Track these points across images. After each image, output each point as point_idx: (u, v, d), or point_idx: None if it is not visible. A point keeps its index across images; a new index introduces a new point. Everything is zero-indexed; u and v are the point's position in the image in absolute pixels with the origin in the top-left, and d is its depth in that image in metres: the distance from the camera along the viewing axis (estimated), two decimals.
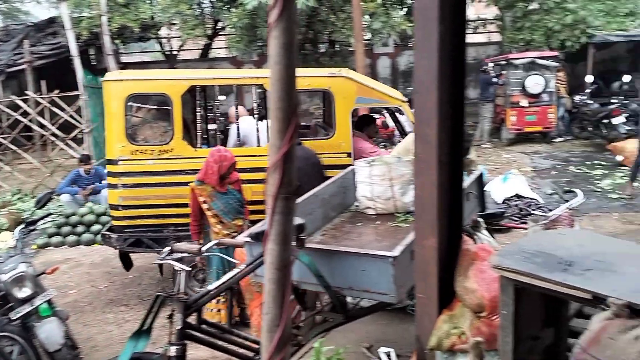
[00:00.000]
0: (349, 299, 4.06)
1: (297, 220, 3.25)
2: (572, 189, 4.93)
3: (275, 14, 1.16)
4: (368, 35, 11.48)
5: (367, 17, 11.21)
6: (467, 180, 4.25)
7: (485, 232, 4.75)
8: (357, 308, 3.93)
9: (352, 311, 3.78)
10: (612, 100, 12.02)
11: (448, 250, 2.80)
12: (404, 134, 7.72)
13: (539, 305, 2.62)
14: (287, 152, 1.14)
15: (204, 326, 3.13)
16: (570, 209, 4.67)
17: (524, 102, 12.52)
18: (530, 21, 13.44)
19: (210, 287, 3.17)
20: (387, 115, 9.38)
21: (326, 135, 6.00)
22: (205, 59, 17.96)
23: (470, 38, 16.81)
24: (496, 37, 16.03)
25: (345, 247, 3.73)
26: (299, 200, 4.15)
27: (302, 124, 8.46)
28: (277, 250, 1.15)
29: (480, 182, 4.43)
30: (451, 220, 2.81)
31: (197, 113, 6.05)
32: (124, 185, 5.44)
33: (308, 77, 5.90)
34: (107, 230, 5.76)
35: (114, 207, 5.59)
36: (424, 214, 2.74)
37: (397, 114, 6.95)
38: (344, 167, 5.34)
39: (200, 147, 5.77)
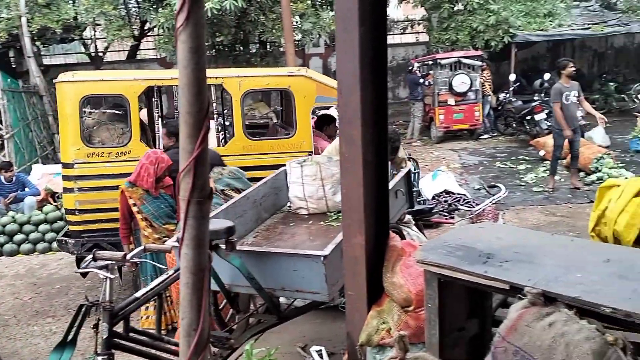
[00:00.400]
0: (283, 300, 4.08)
1: (227, 223, 3.23)
2: (496, 184, 5.12)
3: (181, 18, 1.15)
4: (299, 36, 11.51)
5: (297, 18, 11.25)
6: (396, 178, 4.34)
7: (414, 228, 4.86)
8: (291, 308, 3.94)
9: (286, 312, 3.78)
10: (534, 98, 12.56)
11: (376, 247, 2.85)
12: None
13: (463, 297, 2.71)
14: (199, 156, 1.13)
15: (132, 334, 3.05)
16: (494, 203, 4.85)
17: (452, 101, 12.90)
18: (456, 22, 13.88)
19: (138, 294, 3.09)
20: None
21: (287, 135, 6.03)
22: (132, 60, 17.51)
23: (399, 38, 17.23)
24: (424, 38, 16.44)
25: (276, 248, 3.74)
26: (230, 202, 4.13)
27: (261, 123, 8.26)
28: (192, 255, 1.14)
29: (408, 179, 4.53)
30: (378, 217, 2.87)
31: (155, 114, 5.97)
32: (80, 189, 5.33)
33: (268, 77, 5.97)
34: (64, 236, 5.64)
35: (70, 211, 5.47)
36: (351, 212, 2.78)
37: None
38: None
39: (160, 148, 5.67)
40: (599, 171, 9.18)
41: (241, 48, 11.81)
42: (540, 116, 11.83)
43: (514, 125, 13.08)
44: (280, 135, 6.35)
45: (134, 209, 4.64)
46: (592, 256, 2.41)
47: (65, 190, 5.47)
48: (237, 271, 3.30)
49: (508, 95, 13.45)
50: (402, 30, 16.29)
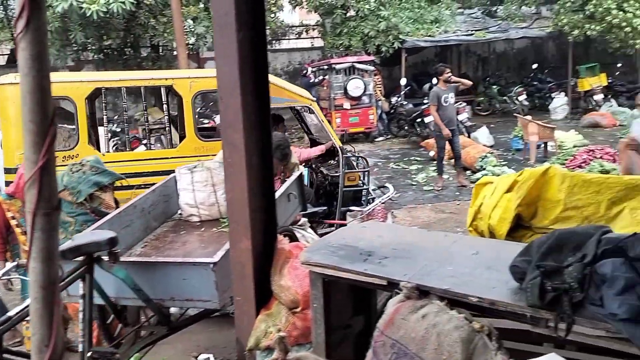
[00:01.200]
0: (175, 310, 3.99)
1: (108, 234, 3.12)
2: (385, 185, 5.31)
3: (21, 24, 1.10)
4: (193, 40, 11.32)
5: (190, 22, 11.07)
6: (288, 182, 4.39)
7: (310, 230, 4.93)
8: (183, 318, 3.86)
9: (177, 322, 3.70)
10: (424, 101, 13.13)
11: (263, 251, 2.86)
12: (309, 133, 7.92)
13: (348, 295, 2.78)
14: (45, 166, 1.09)
15: (6, 355, 2.86)
16: (383, 203, 5.02)
17: (347, 105, 13.21)
18: (348, 27, 14.23)
19: (11, 312, 2.91)
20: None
21: None
22: (13, 64, 16.43)
23: (294, 43, 17.40)
24: (319, 43, 16.71)
25: (166, 257, 3.66)
26: (116, 212, 3.98)
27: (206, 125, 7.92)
28: (41, 268, 1.09)
29: (300, 182, 4.59)
30: (265, 221, 2.88)
31: (104, 116, 5.67)
32: None
33: None
34: None
35: None
36: (236, 217, 2.78)
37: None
38: None
39: (108, 152, 5.51)
40: (484, 169, 9.76)
41: (132, 52, 11.45)
42: (429, 119, 12.33)
43: (406, 127, 13.61)
44: None
45: (13, 222, 4.36)
46: (463, 250, 2.56)
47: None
48: (122, 283, 3.19)
49: (399, 98, 13.97)
50: (297, 35, 16.49)
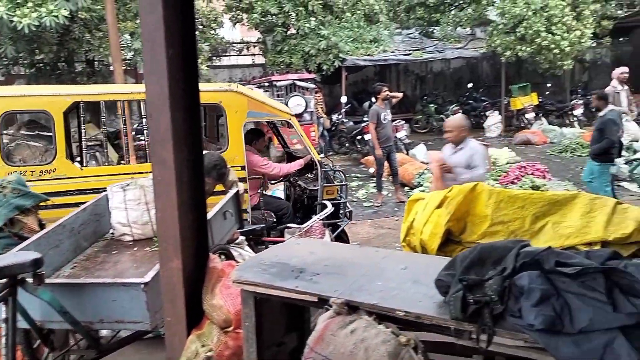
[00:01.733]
0: (107, 332, 3.87)
1: (32, 255, 3.00)
2: (323, 202, 5.35)
3: None
4: (130, 55, 11.11)
5: (127, 37, 10.87)
6: (224, 199, 4.35)
7: (247, 248, 4.89)
8: (114, 341, 3.75)
9: (107, 345, 3.59)
10: (364, 119, 13.35)
11: (195, 270, 2.82)
12: (286, 147, 7.93)
13: (281, 312, 2.78)
14: None
15: None
16: (321, 220, 5.05)
17: None
18: (289, 45, 14.33)
19: None
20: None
21: (219, 149, 5.92)
22: None
23: (235, 60, 17.37)
24: (260, 59, 16.75)
25: (95, 278, 3.55)
26: (43, 232, 3.84)
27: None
28: None
29: (237, 200, 4.56)
30: (197, 240, 2.85)
31: (82, 130, 5.66)
32: None
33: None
34: None
35: None
36: (166, 236, 2.73)
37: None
38: (239, 180, 5.50)
39: (87, 166, 5.47)
40: (421, 185, 9.98)
41: (65, 66, 11.12)
42: (369, 136, 12.57)
43: (347, 144, 13.79)
44: (212, 150, 6.17)
45: None
46: (393, 265, 2.61)
47: None
48: (48, 306, 3.07)
49: (340, 116, 14.16)
50: (238, 52, 16.48)
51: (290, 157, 7.56)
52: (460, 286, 2.10)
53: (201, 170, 2.85)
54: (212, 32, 14.24)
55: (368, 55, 14.91)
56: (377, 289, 2.34)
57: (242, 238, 4.88)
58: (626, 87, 10.50)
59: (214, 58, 15.95)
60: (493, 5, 15.72)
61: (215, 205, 4.14)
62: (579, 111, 16.19)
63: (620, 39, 21.84)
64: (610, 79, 10.55)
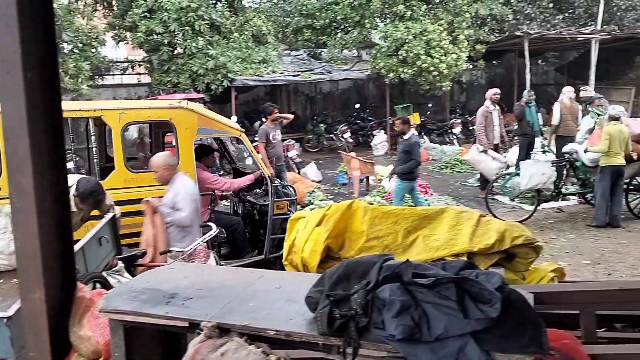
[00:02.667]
0: None
1: None
2: (208, 223, 5.28)
3: None
4: None
5: None
6: (98, 225, 4.18)
7: (127, 275, 4.71)
8: None
9: None
10: (255, 138, 13.34)
11: (60, 301, 2.68)
12: (233, 162, 7.87)
13: (156, 340, 2.70)
14: None
15: None
16: (205, 242, 4.98)
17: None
18: (176, 64, 14.09)
19: None
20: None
21: None
22: None
23: (120, 79, 16.80)
24: (147, 79, 16.33)
25: None
26: None
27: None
28: None
29: (113, 225, 4.39)
30: (61, 269, 2.71)
31: None
32: None
33: (148, 109, 5.94)
34: None
35: None
36: (27, 266, 2.58)
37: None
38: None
39: None
40: (312, 203, 10.13)
41: None
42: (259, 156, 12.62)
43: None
44: None
45: None
46: (267, 285, 2.63)
47: None
48: None
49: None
50: (122, 71, 15.97)
51: (236, 173, 7.57)
52: (327, 302, 2.16)
53: (66, 196, 2.73)
54: (93, 50, 13.69)
55: (257, 75, 15.00)
56: (249, 309, 2.35)
57: (120, 265, 4.69)
58: (498, 107, 11.32)
59: (97, 77, 15.34)
60: (376, 29, 16.41)
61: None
62: (457, 129, 17.22)
63: (493, 62, 23.58)
64: (485, 99, 11.33)
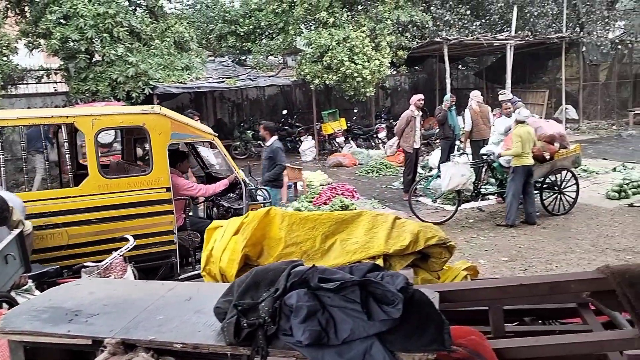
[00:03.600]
0: None
1: None
2: (125, 236, 5.11)
3: None
4: None
5: None
6: (3, 242, 3.97)
7: (37, 294, 4.49)
8: None
9: None
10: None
11: None
12: (205, 167, 7.77)
13: (64, 359, 2.59)
14: None
15: None
16: (122, 255, 4.83)
17: (98, 152, 12.51)
18: (95, 72, 13.63)
19: None
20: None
21: (144, 172, 5.97)
22: None
23: (34, 88, 16.06)
24: (64, 87, 15.69)
25: None
26: None
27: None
28: None
29: (21, 241, 4.18)
30: None
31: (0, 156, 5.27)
32: None
33: (121, 115, 5.91)
34: None
35: None
36: None
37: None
38: (164, 201, 5.81)
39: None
40: None
41: None
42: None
43: None
44: (136, 172, 6.27)
45: None
46: (178, 297, 2.58)
47: None
48: None
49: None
50: (37, 80, 15.27)
51: (209, 177, 7.60)
52: (235, 311, 2.14)
53: None
54: (4, 59, 13.02)
55: (180, 82, 14.74)
56: (157, 323, 2.29)
57: (30, 284, 4.47)
58: (421, 112, 11.64)
59: (9, 87, 14.60)
60: (301, 36, 16.51)
61: None
62: (383, 134, 17.56)
63: (416, 67, 24.24)
64: (409, 104, 11.62)
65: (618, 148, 16.45)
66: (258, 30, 17.65)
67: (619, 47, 21.97)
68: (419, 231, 3.81)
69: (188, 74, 15.00)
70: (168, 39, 14.95)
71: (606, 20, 21.78)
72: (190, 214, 7.09)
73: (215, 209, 7.33)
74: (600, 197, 10.75)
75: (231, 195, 7.04)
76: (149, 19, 14.96)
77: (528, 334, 3.09)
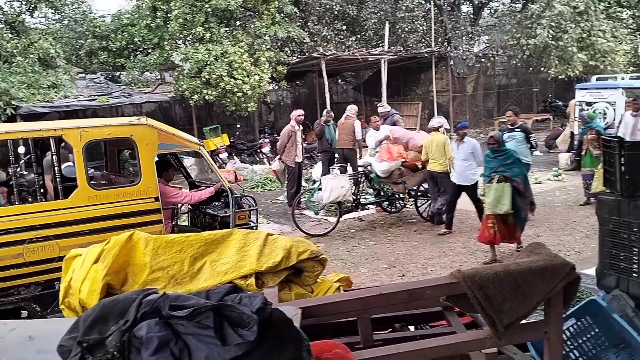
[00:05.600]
0: None
1: None
2: None
3: None
4: None
5: None
6: None
7: None
8: None
9: None
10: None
11: None
12: (188, 177, 7.99)
13: None
14: None
15: None
16: None
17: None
18: None
19: None
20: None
21: (132, 182, 6.09)
22: None
23: None
24: None
25: None
26: None
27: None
28: None
29: None
30: None
31: None
32: None
33: (109, 126, 6.02)
34: None
35: None
36: None
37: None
38: (153, 211, 5.94)
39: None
40: None
41: None
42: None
43: (29, 199, 12.46)
44: (125, 183, 6.42)
45: None
46: (19, 337, 2.35)
47: None
48: None
49: (19, 168, 12.73)
50: None
51: (192, 186, 7.74)
52: (79, 349, 1.98)
53: None
54: None
55: (47, 101, 13.85)
56: None
57: None
58: (302, 127, 11.80)
59: None
60: (177, 51, 16.14)
61: None
62: (267, 149, 17.57)
63: (297, 82, 24.61)
64: (290, 118, 11.72)
65: None
66: (132, 46, 17.04)
67: (483, 60, 23.67)
68: (291, 246, 3.80)
69: (55, 92, 14.13)
70: (32, 56, 14.03)
71: (470, 35, 23.39)
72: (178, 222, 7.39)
73: (200, 218, 7.54)
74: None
75: (216, 203, 7.24)
76: (10, 35, 13.95)
77: (396, 341, 3.16)
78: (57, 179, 5.93)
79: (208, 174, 9.45)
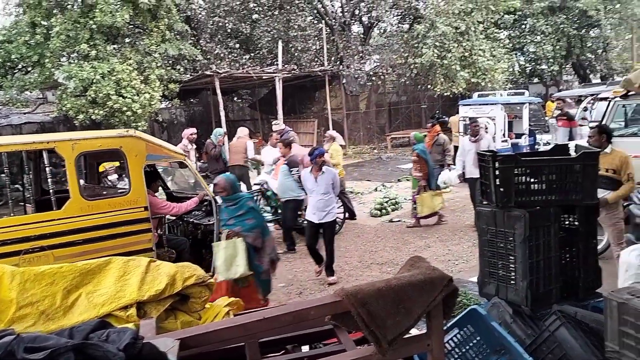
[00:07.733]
0: None
1: None
2: None
3: None
4: None
5: None
6: None
7: None
8: None
9: None
10: None
11: None
12: (167, 188, 8.14)
13: None
14: None
15: None
16: None
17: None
18: None
19: None
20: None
21: (122, 193, 6.32)
22: None
23: None
24: None
25: None
26: None
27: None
28: None
29: None
30: None
31: None
32: None
33: (100, 138, 6.12)
34: None
35: None
36: None
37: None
38: (143, 220, 6.10)
39: None
40: None
41: None
42: None
43: None
44: (114, 194, 6.61)
45: None
46: None
47: None
48: None
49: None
50: None
51: (169, 197, 7.86)
52: None
53: None
54: None
55: None
56: None
57: None
58: (195, 145, 11.54)
59: None
60: (60, 69, 15.27)
61: None
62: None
63: (191, 100, 24.14)
64: (182, 137, 11.42)
65: (379, 170, 18.13)
66: (9, 64, 15.91)
67: (374, 78, 24.45)
68: (175, 272, 3.63)
69: None
70: None
71: (361, 54, 24.10)
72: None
73: (181, 227, 7.67)
74: (366, 215, 11.67)
75: (197, 212, 7.42)
76: None
77: None
78: (51, 190, 6.05)
79: (181, 185, 9.66)
